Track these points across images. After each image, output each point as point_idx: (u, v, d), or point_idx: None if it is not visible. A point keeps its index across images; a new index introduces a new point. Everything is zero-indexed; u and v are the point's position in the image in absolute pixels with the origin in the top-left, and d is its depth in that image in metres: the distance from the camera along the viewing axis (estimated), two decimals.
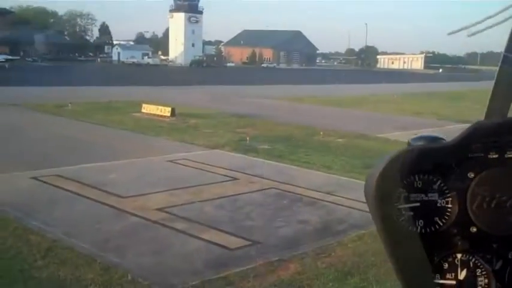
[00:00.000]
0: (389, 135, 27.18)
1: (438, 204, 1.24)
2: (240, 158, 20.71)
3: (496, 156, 1.23)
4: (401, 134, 25.55)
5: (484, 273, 1.26)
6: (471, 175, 1.24)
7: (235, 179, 17.25)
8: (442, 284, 1.26)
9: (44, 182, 15.78)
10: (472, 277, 1.26)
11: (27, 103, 35.03)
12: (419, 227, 1.24)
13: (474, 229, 1.25)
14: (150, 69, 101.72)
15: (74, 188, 15.24)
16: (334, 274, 9.93)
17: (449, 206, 1.24)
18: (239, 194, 15.47)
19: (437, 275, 1.26)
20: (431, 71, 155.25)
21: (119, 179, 16.64)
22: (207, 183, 16.35)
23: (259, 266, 10.32)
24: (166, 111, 31.86)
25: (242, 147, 22.87)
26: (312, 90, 57.56)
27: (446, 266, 1.27)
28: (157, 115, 31.92)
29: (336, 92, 57.03)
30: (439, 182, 1.24)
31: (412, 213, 1.23)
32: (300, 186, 16.09)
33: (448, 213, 1.25)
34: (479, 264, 1.26)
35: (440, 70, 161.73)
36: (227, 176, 17.46)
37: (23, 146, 21.11)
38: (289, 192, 15.66)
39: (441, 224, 1.25)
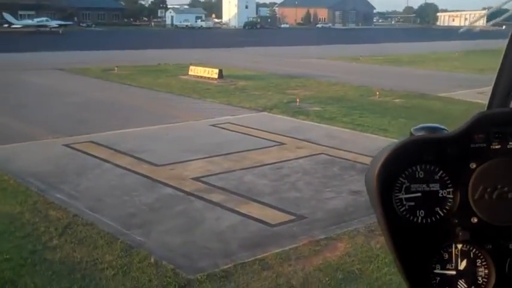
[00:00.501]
0: (452, 94, 25.02)
1: (439, 195, 1.24)
2: (288, 121, 19.19)
3: (499, 146, 1.22)
4: (465, 93, 23.37)
5: (484, 263, 1.26)
6: (473, 165, 1.23)
7: (281, 144, 15.78)
8: (441, 274, 1.25)
9: (76, 150, 14.74)
10: (472, 267, 1.26)
11: (74, 68, 34.32)
12: (420, 217, 1.23)
13: (475, 220, 1.24)
14: (203, 32, 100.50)
15: (106, 156, 14.12)
16: (390, 257, 8.38)
17: (451, 196, 1.24)
18: (285, 160, 14.02)
19: (438, 265, 1.25)
20: (494, 28, 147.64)
21: (155, 145, 15.44)
22: (251, 149, 14.94)
23: (302, 246, 8.91)
24: (213, 73, 30.51)
25: (291, 109, 21.32)
26: (369, 49, 54.86)
27: (446, 256, 1.26)
28: (205, 77, 30.63)
29: (394, 51, 54.22)
30: (440, 173, 1.23)
31: (413, 203, 1.23)
32: (352, 152, 14.47)
33: (449, 204, 1.24)
34: (479, 254, 1.26)
35: (504, 27, 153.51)
36: (273, 141, 16.00)
37: (61, 111, 20.21)
38: (340, 158, 14.08)
39: (442, 214, 1.24)
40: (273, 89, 26.75)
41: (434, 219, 1.23)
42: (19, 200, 10.73)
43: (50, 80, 29.48)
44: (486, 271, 1.25)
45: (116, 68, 33.93)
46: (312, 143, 15.81)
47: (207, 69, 31.27)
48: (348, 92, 26.21)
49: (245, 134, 17.00)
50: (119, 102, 22.96)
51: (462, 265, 1.25)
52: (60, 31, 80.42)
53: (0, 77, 29.52)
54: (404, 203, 1.22)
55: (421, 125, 1.29)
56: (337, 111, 21.01)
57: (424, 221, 1.23)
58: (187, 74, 32.04)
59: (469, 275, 1.25)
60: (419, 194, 1.22)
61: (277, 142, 15.92)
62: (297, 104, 22.29)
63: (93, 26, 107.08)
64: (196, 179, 12.37)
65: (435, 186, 1.23)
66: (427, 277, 1.25)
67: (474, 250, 1.25)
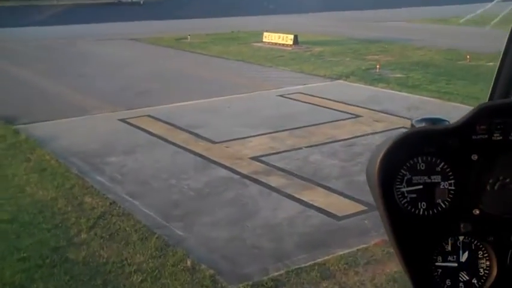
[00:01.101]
0: None
1: (441, 187, 1.24)
2: (366, 90, 17.25)
3: (500, 138, 1.23)
4: None
5: (485, 255, 1.27)
6: (475, 157, 1.23)
7: (356, 116, 13.95)
8: (443, 266, 1.26)
9: (131, 125, 13.58)
10: (473, 259, 1.27)
11: (147, 37, 33.41)
12: (421, 209, 1.24)
13: (477, 211, 1.25)
14: None
15: (161, 132, 12.86)
16: None
17: (452, 188, 1.24)
18: (359, 136, 12.24)
19: (439, 257, 1.27)
20: None
21: (215, 119, 14.03)
22: (320, 123, 13.24)
23: (374, 246, 7.22)
24: (288, 39, 28.69)
25: (370, 76, 19.31)
26: (462, 10, 50.95)
27: (448, 248, 1.27)
28: (279, 44, 28.89)
29: (494, 10, 49.98)
30: (442, 164, 1.24)
31: (414, 195, 1.24)
32: None
33: (450, 196, 1.25)
34: (481, 246, 1.27)
35: None
36: (347, 113, 14.19)
37: (124, 81, 19.16)
38: None
39: (444, 206, 1.25)
40: (351, 55, 24.66)
41: (436, 211, 1.25)
42: (55, 183, 9.63)
43: (120, 50, 28.71)
44: (488, 263, 1.27)
45: (188, 37, 32.79)
46: (392, 114, 13.89)
47: (282, 35, 29.47)
48: (434, 56, 23.77)
49: (316, 105, 15.27)
50: (185, 72, 21.71)
51: (464, 257, 1.27)
52: (142, 1, 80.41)
53: (70, 47, 29.07)
54: (406, 195, 1.24)
55: (423, 117, 1.30)
56: (421, 78, 18.81)
57: (425, 213, 1.25)
58: (261, 41, 30.40)
59: (470, 267, 1.27)
60: (420, 186, 1.24)
61: (352, 114, 14.10)
62: (377, 70, 20.23)
63: None
64: (255, 158, 10.86)
65: (437, 178, 1.24)
66: (429, 269, 1.26)
67: (476, 242, 1.27)
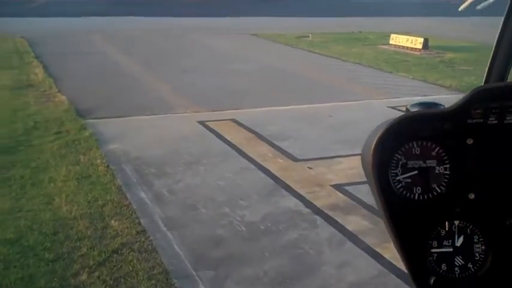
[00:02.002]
0: None
1: (436, 171, 1.24)
2: None
3: (496, 122, 1.23)
4: None
5: (481, 239, 1.27)
6: (470, 141, 1.24)
7: None
8: (439, 250, 1.26)
9: (209, 129, 11.82)
10: (469, 244, 1.27)
11: (268, 33, 31.83)
12: (416, 194, 1.24)
13: (472, 196, 1.25)
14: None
15: (239, 140, 10.95)
16: None
17: (448, 172, 1.24)
18: None
19: (435, 242, 1.27)
20: None
21: (308, 129, 11.89)
22: None
23: None
24: (417, 42, 25.74)
25: None
26: None
27: (443, 232, 1.27)
28: (406, 47, 26.07)
29: None
30: (437, 149, 1.24)
31: (409, 180, 1.24)
32: None
33: (446, 180, 1.24)
34: (476, 231, 1.27)
35: None
36: None
37: (223, 79, 17.51)
38: None
39: (439, 190, 1.25)
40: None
41: (431, 196, 1.25)
42: (89, 197, 8.03)
43: (234, 44, 27.32)
44: (483, 247, 1.28)
45: (310, 35, 30.89)
46: None
47: (410, 38, 26.56)
48: None
49: None
50: (294, 72, 19.70)
51: (459, 242, 1.27)
52: None
53: (185, 40, 28.20)
54: (401, 179, 1.24)
55: (418, 101, 1.32)
56: None
57: (420, 197, 1.25)
58: (388, 44, 27.70)
59: (466, 251, 1.28)
60: (415, 171, 1.24)
61: None
62: None
63: None
64: (339, 186, 8.61)
65: (432, 163, 1.25)
66: (424, 254, 1.27)
67: (471, 226, 1.28)
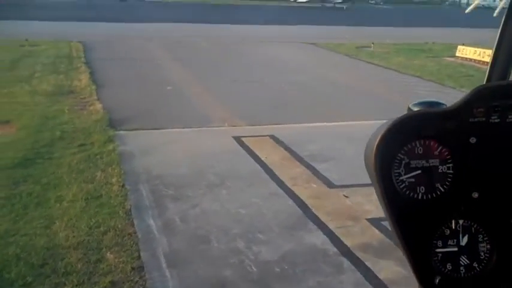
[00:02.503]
0: None
1: (439, 170, 1.24)
2: None
3: (498, 120, 1.22)
4: None
5: (486, 239, 1.26)
6: (473, 140, 1.23)
7: None
8: (443, 250, 1.25)
9: (241, 146, 10.91)
10: (473, 243, 1.26)
11: (329, 43, 30.65)
12: (420, 194, 1.24)
13: (476, 195, 1.25)
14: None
15: (273, 160, 10.00)
16: None
17: (451, 171, 1.24)
18: None
19: (439, 242, 1.26)
20: None
21: (351, 150, 10.71)
22: None
23: None
24: (485, 55, 23.94)
25: None
26: None
27: (448, 232, 1.26)
28: (474, 60, 24.36)
29: None
30: (440, 148, 1.24)
31: (413, 179, 1.23)
32: None
33: (449, 179, 1.24)
34: (480, 230, 1.26)
35: None
36: None
37: (271, 90, 16.57)
38: None
39: (442, 190, 1.24)
40: None
41: (434, 195, 1.25)
42: (92, 222, 7.26)
43: (294, 53, 26.35)
44: (488, 246, 1.26)
45: (372, 45, 29.48)
46: None
47: (479, 50, 24.79)
48: None
49: None
50: (346, 84, 18.54)
51: (464, 241, 1.26)
52: (345, 7, 77.69)
53: (250, 47, 27.41)
54: (404, 179, 1.24)
55: (420, 100, 1.32)
56: None
57: (424, 197, 1.25)
58: (454, 56, 26.04)
59: (470, 250, 1.26)
60: (419, 171, 1.24)
61: None
62: None
63: (381, 3, 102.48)
64: (376, 221, 7.49)
65: (435, 162, 1.24)
66: (429, 254, 1.26)
67: (475, 226, 1.26)
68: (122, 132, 11.62)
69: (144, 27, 35.27)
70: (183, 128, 12.13)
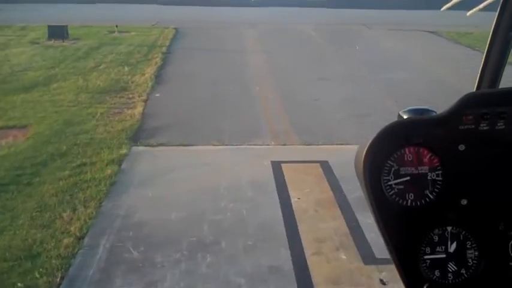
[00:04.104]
0: None
1: (428, 177, 1.24)
2: None
3: (487, 128, 1.23)
4: None
5: (474, 245, 1.27)
6: (462, 147, 1.24)
7: None
8: (432, 256, 1.26)
9: (277, 176, 8.34)
10: (462, 250, 1.27)
11: (453, 31, 26.54)
12: (409, 201, 1.24)
13: (465, 201, 1.25)
14: None
15: (308, 204, 7.38)
16: None
17: (440, 178, 1.24)
18: None
19: (428, 248, 1.26)
20: None
21: None
22: None
23: None
24: None
25: None
26: None
27: (436, 239, 1.26)
28: None
29: None
30: (429, 155, 1.24)
31: (402, 186, 1.24)
32: None
33: (438, 186, 1.24)
34: (469, 236, 1.26)
35: None
36: None
37: (356, 92, 13.64)
38: None
39: (431, 197, 1.25)
40: None
41: (423, 202, 1.25)
42: None
43: (408, 45, 22.77)
44: (476, 253, 1.27)
45: None
46: None
47: None
48: None
49: None
50: (457, 88, 15.06)
51: (452, 248, 1.26)
52: None
53: (353, 35, 24.36)
54: (393, 186, 1.24)
55: (409, 108, 1.30)
56: None
57: (413, 204, 1.25)
58: None
59: (459, 257, 1.27)
60: (408, 177, 1.23)
61: None
62: None
63: None
64: None
65: (424, 169, 1.24)
66: (417, 260, 1.26)
67: (464, 232, 1.27)
68: (140, 148, 9.49)
69: (249, 13, 33.14)
70: (218, 145, 9.75)
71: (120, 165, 8.68)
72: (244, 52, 19.94)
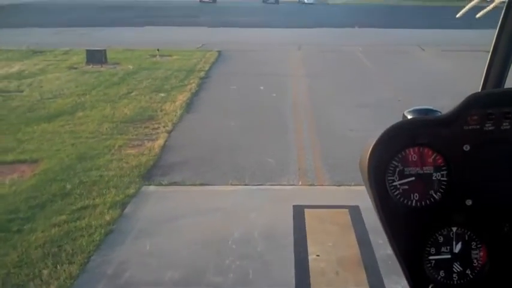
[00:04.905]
0: None
1: (433, 178, 1.23)
2: None
3: (492, 128, 1.22)
4: None
5: (479, 246, 1.26)
6: (467, 148, 1.22)
7: None
8: (437, 257, 1.25)
9: (297, 227, 7.23)
10: (467, 250, 1.26)
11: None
12: (414, 201, 1.24)
13: (469, 202, 1.24)
14: None
15: (328, 264, 6.20)
16: None
17: (445, 179, 1.23)
18: None
19: (433, 249, 1.26)
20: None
21: None
22: None
23: None
24: None
25: None
26: None
27: (441, 239, 1.26)
28: None
29: None
30: (434, 155, 1.23)
31: (406, 186, 1.23)
32: None
33: (443, 187, 1.23)
34: (474, 237, 1.25)
35: None
36: None
37: None
38: None
39: (436, 197, 1.24)
40: None
41: (428, 203, 1.24)
42: None
43: (460, 67, 21.28)
44: (481, 253, 1.26)
45: None
46: None
47: None
48: None
49: None
50: None
51: (457, 248, 1.25)
52: None
53: (403, 58, 23.01)
54: (398, 186, 1.23)
55: (414, 108, 1.29)
56: None
57: (418, 204, 1.24)
58: None
59: (464, 257, 1.26)
60: (413, 178, 1.22)
61: None
62: None
63: None
64: None
65: (429, 169, 1.23)
66: (422, 261, 1.25)
67: (469, 233, 1.25)
68: (149, 188, 8.60)
69: (296, 34, 32.18)
70: (236, 185, 8.73)
71: (123, 208, 7.80)
72: (290, 76, 18.95)
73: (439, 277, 1.26)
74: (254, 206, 7.92)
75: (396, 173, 1.22)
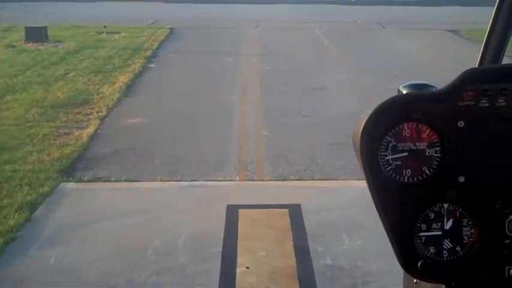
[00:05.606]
0: None
1: (426, 154, 1.22)
2: None
3: (488, 104, 1.20)
4: None
5: (470, 223, 1.25)
6: (461, 124, 1.21)
7: None
8: (427, 233, 1.24)
9: (226, 230, 6.38)
10: (457, 227, 1.25)
11: (473, 29, 24.21)
12: (406, 177, 1.23)
13: (462, 179, 1.23)
14: None
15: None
16: None
17: (438, 155, 1.22)
18: None
19: (423, 225, 1.25)
20: None
21: None
22: None
23: None
24: None
25: None
26: None
27: (432, 216, 1.25)
28: None
29: None
30: (428, 131, 1.22)
31: (399, 162, 1.22)
32: None
33: (436, 163, 1.22)
34: (465, 214, 1.25)
35: None
36: None
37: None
38: None
39: (429, 173, 1.23)
40: None
41: (421, 179, 1.23)
42: None
43: (423, 48, 20.61)
44: (472, 231, 1.26)
45: None
46: None
47: None
48: None
49: None
50: None
51: (448, 225, 1.25)
52: None
53: (367, 34, 22.25)
54: (391, 162, 1.22)
55: (409, 82, 1.28)
56: None
57: (410, 180, 1.23)
58: None
59: (454, 234, 1.25)
60: (405, 153, 1.22)
61: None
62: None
63: None
64: None
65: (422, 145, 1.22)
66: (413, 237, 1.24)
67: (460, 210, 1.25)
68: (68, 185, 7.65)
69: (254, 10, 31.14)
70: (166, 181, 7.84)
71: (32, 211, 6.83)
72: (243, 55, 18.01)
73: (429, 253, 1.25)
74: (183, 206, 7.06)
75: (389, 148, 1.21)
